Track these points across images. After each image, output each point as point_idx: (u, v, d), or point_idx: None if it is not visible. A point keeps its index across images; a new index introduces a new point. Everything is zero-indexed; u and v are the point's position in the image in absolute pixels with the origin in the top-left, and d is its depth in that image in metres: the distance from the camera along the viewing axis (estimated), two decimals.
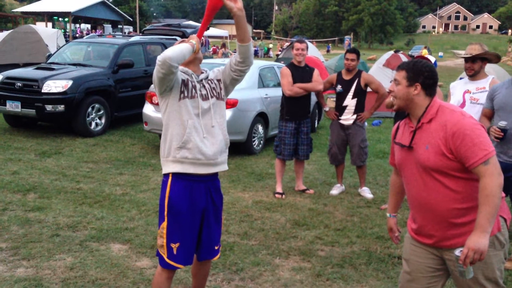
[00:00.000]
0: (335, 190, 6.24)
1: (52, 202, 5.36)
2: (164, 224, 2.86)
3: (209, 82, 3.00)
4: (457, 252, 2.35)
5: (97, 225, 4.76)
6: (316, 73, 6.10)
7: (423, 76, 2.50)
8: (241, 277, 3.89)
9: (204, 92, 2.93)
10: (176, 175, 2.87)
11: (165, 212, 2.85)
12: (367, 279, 3.94)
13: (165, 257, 2.87)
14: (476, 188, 2.37)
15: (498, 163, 2.35)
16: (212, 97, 2.95)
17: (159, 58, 2.67)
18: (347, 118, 6.05)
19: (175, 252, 2.85)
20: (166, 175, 2.92)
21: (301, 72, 6.02)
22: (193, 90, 2.89)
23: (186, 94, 2.86)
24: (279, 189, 6.08)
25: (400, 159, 2.64)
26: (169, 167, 2.89)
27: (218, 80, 3.04)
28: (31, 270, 3.84)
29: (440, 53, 53.22)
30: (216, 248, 3.07)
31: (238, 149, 7.76)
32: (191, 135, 2.84)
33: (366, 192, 6.16)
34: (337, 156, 6.21)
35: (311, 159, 7.42)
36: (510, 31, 77.69)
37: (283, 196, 5.99)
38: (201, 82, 2.95)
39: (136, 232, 4.64)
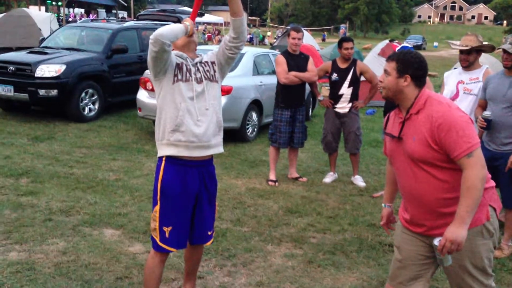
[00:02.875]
0: (328, 178, 6.27)
1: (45, 187, 5.35)
2: (157, 207, 2.87)
3: (203, 64, 3.00)
4: (436, 241, 2.39)
5: (90, 210, 4.76)
6: (310, 61, 6.09)
7: (413, 67, 2.50)
8: (233, 263, 3.92)
9: (198, 75, 2.93)
10: (169, 159, 2.89)
11: (158, 196, 2.86)
12: (358, 266, 3.98)
13: (157, 240, 2.89)
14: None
15: (482, 155, 2.37)
16: (206, 79, 2.96)
17: (151, 36, 2.70)
18: (343, 106, 6.06)
19: (167, 235, 2.87)
20: (160, 159, 2.93)
21: (296, 60, 6.00)
22: (187, 74, 2.89)
23: (180, 77, 2.87)
24: (272, 176, 6.10)
25: (390, 150, 2.66)
26: (163, 151, 2.90)
27: (212, 63, 3.04)
28: (24, 254, 3.84)
29: (435, 43, 53.24)
30: (209, 233, 3.09)
31: (232, 136, 7.75)
32: (184, 118, 2.84)
33: (358, 181, 6.20)
34: (331, 144, 6.23)
35: (305, 147, 7.43)
36: (505, 22, 77.73)
37: (276, 183, 6.01)
38: (195, 65, 2.95)
39: (129, 217, 4.65)
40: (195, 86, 2.89)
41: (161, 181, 2.87)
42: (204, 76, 2.96)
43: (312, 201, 5.47)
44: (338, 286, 3.64)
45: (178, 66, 2.88)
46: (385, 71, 2.56)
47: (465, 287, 2.58)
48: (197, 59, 2.99)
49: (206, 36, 38.74)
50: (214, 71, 3.03)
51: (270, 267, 3.89)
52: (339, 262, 4.01)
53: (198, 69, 2.95)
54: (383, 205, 2.93)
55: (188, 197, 2.91)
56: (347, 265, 3.98)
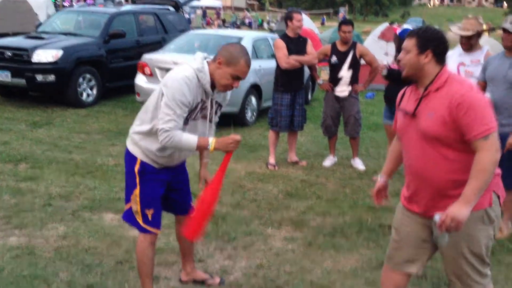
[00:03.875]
0: (328, 162, 6.26)
1: (44, 172, 5.34)
2: (136, 191, 2.88)
3: (216, 104, 2.95)
4: (436, 217, 2.36)
5: (89, 195, 4.76)
6: (309, 44, 6.04)
7: (434, 43, 2.44)
8: (233, 246, 3.92)
9: (208, 113, 2.91)
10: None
11: (137, 179, 2.87)
12: (357, 248, 3.99)
13: (140, 222, 2.91)
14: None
15: (497, 140, 2.34)
16: (210, 120, 2.94)
17: (163, 132, 2.67)
18: (343, 89, 6.02)
19: (150, 218, 2.91)
20: (134, 157, 2.90)
21: (296, 44, 5.95)
22: (202, 111, 2.86)
23: (193, 117, 2.83)
24: (272, 160, 6.09)
25: (401, 126, 2.62)
26: (139, 155, 2.88)
27: (220, 106, 3.00)
28: (24, 238, 3.85)
29: (435, 26, 52.75)
30: (191, 204, 3.20)
31: (231, 120, 7.72)
32: (173, 154, 2.89)
33: (358, 164, 6.19)
34: (330, 128, 6.21)
35: (304, 131, 7.41)
36: (505, 4, 77.17)
37: (276, 167, 6.00)
38: (212, 102, 2.90)
39: None
40: (201, 126, 2.89)
41: (140, 165, 2.87)
42: (211, 116, 2.93)
43: (312, 184, 5.46)
44: (338, 268, 3.65)
45: (197, 107, 2.81)
46: (405, 48, 2.50)
47: (460, 274, 2.54)
48: (216, 95, 2.91)
49: (206, 20, 38.43)
50: (215, 114, 2.99)
51: (270, 250, 3.90)
52: (339, 245, 4.02)
53: (212, 107, 2.90)
54: (378, 176, 2.89)
55: (162, 182, 2.96)
56: (347, 247, 3.99)
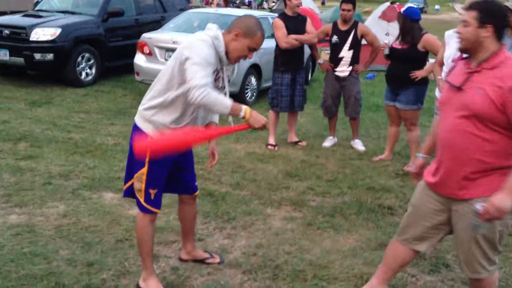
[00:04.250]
0: (328, 142, 6.25)
1: (43, 151, 5.33)
2: (144, 170, 2.84)
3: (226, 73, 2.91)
4: (478, 206, 2.32)
5: (89, 174, 4.76)
6: (309, 22, 5.98)
7: (496, 16, 2.38)
8: (233, 225, 3.94)
9: (221, 84, 2.89)
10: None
11: (147, 159, 2.81)
12: (357, 228, 4.00)
13: (142, 200, 2.89)
14: (509, 150, 2.36)
15: None
16: (226, 93, 2.90)
17: (195, 90, 2.53)
18: (343, 70, 5.98)
19: (152, 197, 2.89)
20: (145, 134, 2.83)
21: (294, 22, 5.89)
22: (216, 83, 2.82)
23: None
24: (272, 140, 6.08)
25: (444, 98, 2.57)
26: (151, 131, 2.81)
27: (229, 80, 2.97)
28: (24, 217, 3.86)
29: (437, 6, 52.33)
30: (195, 184, 3.19)
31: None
32: (188, 124, 2.85)
33: (358, 145, 6.18)
34: (331, 108, 6.19)
35: (304, 112, 7.38)
36: None
37: (276, 147, 6.00)
38: (225, 73, 2.89)
39: None
40: None
41: (150, 145, 2.79)
42: (224, 86, 2.91)
43: (312, 165, 5.46)
44: (337, 248, 3.67)
45: (214, 76, 2.76)
46: (464, 21, 2.41)
47: (470, 259, 2.55)
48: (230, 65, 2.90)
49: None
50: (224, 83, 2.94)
51: (269, 229, 3.91)
52: (338, 225, 4.04)
53: (225, 78, 2.88)
54: (417, 155, 2.87)
55: (171, 162, 2.93)
56: (346, 228, 4.00)
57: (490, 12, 2.37)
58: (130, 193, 3.00)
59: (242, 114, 2.67)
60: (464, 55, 2.58)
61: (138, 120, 2.90)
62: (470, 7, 2.41)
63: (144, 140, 2.73)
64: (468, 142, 2.41)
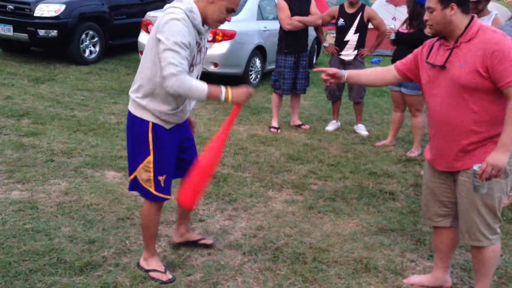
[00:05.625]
0: (331, 126, 6.23)
1: (46, 128, 5.33)
2: (150, 158, 2.74)
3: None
4: (476, 167, 2.46)
5: (91, 152, 4.76)
6: (313, 4, 5.92)
7: None
8: (234, 207, 3.95)
9: (203, 55, 2.79)
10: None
11: (150, 146, 2.73)
12: (358, 212, 4.01)
13: (152, 190, 2.80)
14: (498, 117, 2.45)
15: None
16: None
17: (168, 79, 2.47)
18: (348, 53, 5.93)
19: (162, 184, 2.81)
20: (145, 121, 2.72)
21: (299, 4, 5.83)
22: (200, 55, 2.73)
23: (194, 62, 2.69)
24: (274, 123, 6.06)
25: (428, 78, 2.67)
26: (150, 117, 2.70)
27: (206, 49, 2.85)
28: (26, 193, 3.87)
29: None
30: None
31: (235, 82, 7.65)
32: (185, 105, 2.78)
33: (361, 129, 6.16)
34: (335, 92, 6.15)
35: (308, 95, 7.36)
36: None
37: (279, 130, 5.98)
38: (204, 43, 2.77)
39: None
40: (196, 73, 2.76)
41: (152, 132, 2.72)
42: (201, 60, 2.81)
43: (314, 148, 5.46)
44: (338, 231, 3.68)
45: (196, 49, 2.65)
46: (428, 8, 2.54)
47: (470, 226, 2.66)
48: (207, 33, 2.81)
49: None
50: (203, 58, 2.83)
51: (270, 212, 3.92)
52: (339, 209, 4.04)
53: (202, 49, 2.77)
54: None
55: (175, 144, 2.86)
56: (347, 212, 4.01)
57: None
58: (134, 186, 2.87)
59: (223, 97, 2.60)
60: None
61: (134, 108, 2.74)
62: None
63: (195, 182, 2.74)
64: (460, 115, 2.52)
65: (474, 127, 2.51)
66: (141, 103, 2.70)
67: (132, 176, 2.85)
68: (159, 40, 2.53)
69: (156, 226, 3.00)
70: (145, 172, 2.77)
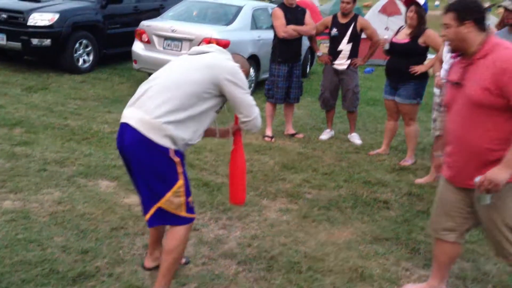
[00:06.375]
0: (325, 135, 6.25)
1: (39, 137, 5.30)
2: (180, 182, 2.66)
3: None
4: (476, 178, 2.49)
5: (85, 162, 4.73)
6: (308, 14, 5.97)
7: (472, 12, 2.52)
8: (228, 216, 3.93)
9: None
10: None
11: (179, 171, 2.65)
12: (352, 221, 4.01)
13: (184, 214, 2.71)
14: None
15: None
16: None
17: (258, 117, 2.93)
18: (341, 63, 5.96)
19: (191, 204, 2.76)
20: (166, 148, 2.61)
21: (294, 13, 5.88)
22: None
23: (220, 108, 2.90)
24: (268, 132, 6.06)
25: (449, 97, 2.70)
26: (170, 145, 2.60)
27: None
28: (19, 203, 3.83)
29: (437, 2, 52.12)
30: None
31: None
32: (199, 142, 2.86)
33: (355, 138, 6.18)
34: (328, 101, 6.17)
35: (302, 104, 7.38)
36: None
37: (273, 139, 5.99)
38: None
39: (124, 170, 4.57)
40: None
41: (175, 154, 2.64)
42: None
43: (308, 157, 5.46)
44: (332, 240, 3.67)
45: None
46: (445, 24, 2.58)
47: (495, 243, 2.70)
48: None
49: None
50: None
51: (265, 221, 3.91)
52: (334, 218, 4.04)
53: None
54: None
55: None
56: (342, 221, 4.00)
57: (466, 9, 2.53)
58: (159, 219, 2.72)
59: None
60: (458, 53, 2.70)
61: (154, 134, 2.56)
62: (447, 10, 2.57)
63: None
64: (476, 133, 2.53)
65: (489, 145, 2.51)
66: (168, 129, 2.57)
67: (154, 209, 2.67)
68: (229, 82, 2.69)
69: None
70: (176, 198, 2.66)
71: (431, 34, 5.12)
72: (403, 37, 5.21)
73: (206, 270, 3.17)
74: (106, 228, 3.57)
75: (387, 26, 11.85)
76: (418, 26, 5.09)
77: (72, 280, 2.92)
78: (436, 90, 4.72)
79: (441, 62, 4.74)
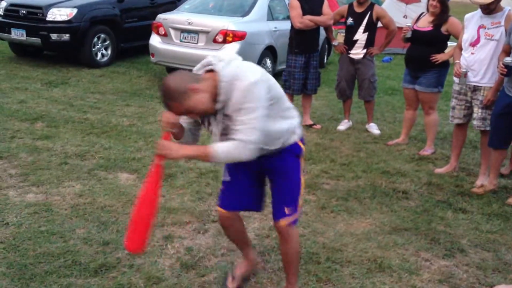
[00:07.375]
0: (342, 126, 6.21)
1: (60, 131, 5.39)
2: (302, 181, 2.71)
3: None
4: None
5: (104, 155, 4.80)
6: (325, 4, 5.92)
7: None
8: None
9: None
10: None
11: (300, 174, 2.68)
12: (371, 212, 3.99)
13: (298, 214, 2.72)
14: None
15: None
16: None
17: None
18: (357, 52, 5.91)
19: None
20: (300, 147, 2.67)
21: (311, 3, 5.83)
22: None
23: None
24: None
25: None
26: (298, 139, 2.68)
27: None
28: (41, 196, 3.91)
29: None
30: None
31: None
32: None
33: (373, 128, 6.14)
34: (345, 91, 6.14)
35: (319, 94, 7.34)
36: None
37: None
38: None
39: (143, 162, 4.68)
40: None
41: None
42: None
43: (326, 148, 5.44)
44: (351, 231, 3.66)
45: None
46: None
47: None
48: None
49: None
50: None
51: None
52: (352, 208, 4.03)
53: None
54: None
55: None
56: (360, 211, 3.99)
57: None
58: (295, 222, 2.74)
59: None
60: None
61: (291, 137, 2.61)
62: None
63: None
64: None
65: None
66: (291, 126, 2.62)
67: (294, 216, 2.70)
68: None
69: None
70: (301, 200, 2.74)
71: (454, 22, 5.02)
72: (425, 25, 5.12)
73: (225, 261, 3.20)
74: (126, 220, 3.61)
75: (405, 14, 11.70)
76: (441, 14, 5.00)
77: (94, 271, 2.97)
78: (456, 79, 4.65)
79: (460, 49, 4.66)
